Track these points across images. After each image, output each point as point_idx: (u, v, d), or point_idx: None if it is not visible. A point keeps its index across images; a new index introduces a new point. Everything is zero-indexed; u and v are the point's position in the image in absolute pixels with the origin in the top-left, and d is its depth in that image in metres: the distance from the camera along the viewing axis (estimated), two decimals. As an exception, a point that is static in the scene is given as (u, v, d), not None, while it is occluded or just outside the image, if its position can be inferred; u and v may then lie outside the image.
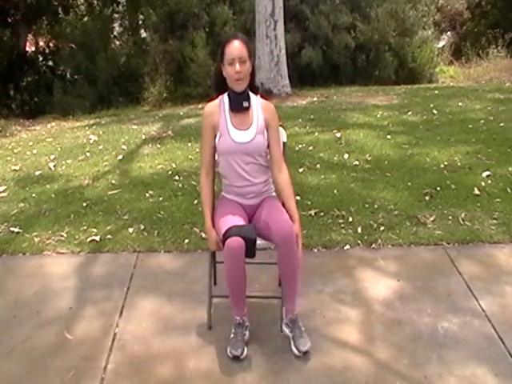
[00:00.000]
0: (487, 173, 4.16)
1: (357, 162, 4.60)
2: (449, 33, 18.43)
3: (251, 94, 2.39)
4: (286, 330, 2.37)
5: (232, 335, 2.34)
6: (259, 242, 2.27)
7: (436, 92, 8.17)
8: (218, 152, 2.41)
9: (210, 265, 2.51)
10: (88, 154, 5.32)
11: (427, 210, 3.62)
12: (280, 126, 2.51)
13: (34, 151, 5.62)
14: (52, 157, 5.26)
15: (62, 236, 3.43)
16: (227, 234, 2.18)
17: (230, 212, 2.35)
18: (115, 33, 13.05)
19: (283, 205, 2.41)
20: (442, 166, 4.42)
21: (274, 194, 2.50)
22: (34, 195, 4.19)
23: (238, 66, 2.25)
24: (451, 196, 3.82)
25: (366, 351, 2.34)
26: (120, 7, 13.58)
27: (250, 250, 2.19)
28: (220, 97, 2.44)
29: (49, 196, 4.15)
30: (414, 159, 4.64)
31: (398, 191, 3.95)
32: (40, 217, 3.75)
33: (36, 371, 2.25)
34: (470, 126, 5.64)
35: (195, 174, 4.40)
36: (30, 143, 6.15)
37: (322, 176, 4.31)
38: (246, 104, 2.34)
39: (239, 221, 2.29)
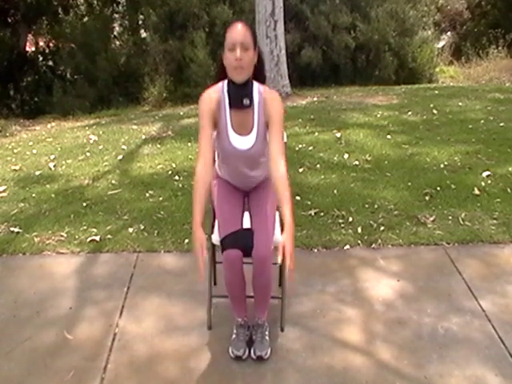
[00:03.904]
0: (487, 173, 4.16)
1: (357, 162, 4.60)
2: (449, 33, 18.42)
3: (255, 89, 2.11)
4: (253, 332, 2.36)
5: (234, 335, 2.34)
6: None
7: (436, 92, 8.18)
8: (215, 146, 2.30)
9: (209, 265, 2.51)
10: (88, 153, 5.32)
11: (427, 210, 3.62)
12: None
13: (34, 151, 5.62)
14: (52, 157, 5.26)
15: (61, 236, 3.43)
16: (224, 245, 2.13)
17: (228, 202, 2.28)
18: (115, 33, 13.05)
19: None
20: (442, 165, 4.42)
21: None
22: (33, 195, 4.19)
23: (238, 52, 1.96)
24: (451, 196, 3.82)
25: (366, 351, 2.33)
26: (120, 7, 13.58)
27: (248, 253, 2.14)
28: (220, 84, 2.14)
29: (49, 196, 4.15)
30: (414, 159, 4.64)
31: (398, 191, 3.95)
32: (40, 217, 3.75)
33: (36, 371, 2.25)
34: (470, 125, 5.64)
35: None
36: (30, 143, 6.15)
37: (322, 176, 4.31)
38: (246, 102, 2.07)
39: (237, 219, 2.25)
